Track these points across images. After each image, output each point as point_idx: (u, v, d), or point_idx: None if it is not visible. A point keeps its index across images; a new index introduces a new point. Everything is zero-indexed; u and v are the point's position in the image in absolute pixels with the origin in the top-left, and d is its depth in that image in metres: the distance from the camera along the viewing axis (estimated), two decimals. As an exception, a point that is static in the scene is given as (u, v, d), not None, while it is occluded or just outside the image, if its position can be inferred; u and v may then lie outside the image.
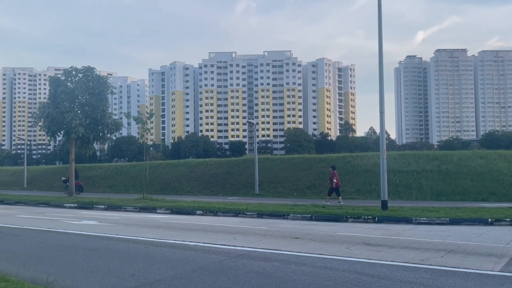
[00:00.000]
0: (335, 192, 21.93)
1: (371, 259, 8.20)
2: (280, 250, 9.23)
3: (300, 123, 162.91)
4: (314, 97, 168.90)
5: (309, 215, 15.76)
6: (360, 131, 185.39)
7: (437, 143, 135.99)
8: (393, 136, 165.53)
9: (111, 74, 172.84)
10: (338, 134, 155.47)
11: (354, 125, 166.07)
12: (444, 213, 15.33)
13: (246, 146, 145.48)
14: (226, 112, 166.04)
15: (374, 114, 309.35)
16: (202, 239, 10.93)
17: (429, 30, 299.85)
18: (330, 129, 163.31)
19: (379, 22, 17.38)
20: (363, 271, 7.28)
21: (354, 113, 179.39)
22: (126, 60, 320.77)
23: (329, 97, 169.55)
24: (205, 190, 31.41)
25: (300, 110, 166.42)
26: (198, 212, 18.17)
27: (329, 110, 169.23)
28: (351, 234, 11.73)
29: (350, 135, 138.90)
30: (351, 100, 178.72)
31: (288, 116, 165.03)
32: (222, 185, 31.48)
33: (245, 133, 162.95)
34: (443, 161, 27.46)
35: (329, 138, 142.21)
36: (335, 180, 21.63)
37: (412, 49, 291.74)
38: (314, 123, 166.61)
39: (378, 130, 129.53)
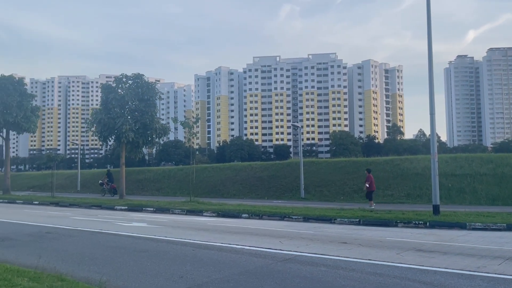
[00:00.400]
0: (367, 195, 21.83)
1: (423, 266, 7.92)
2: (327, 255, 9.09)
3: (346, 126, 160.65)
4: (360, 100, 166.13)
5: (357, 220, 15.44)
6: (409, 133, 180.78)
7: (491, 145, 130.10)
8: (443, 138, 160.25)
9: (158, 81, 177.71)
10: (385, 137, 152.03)
11: (402, 127, 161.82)
12: (501, 218, 14.59)
13: (291, 150, 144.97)
14: (270, 115, 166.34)
15: (423, 116, 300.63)
16: (248, 242, 10.95)
17: (480, 28, 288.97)
18: (377, 131, 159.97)
19: (428, 22, 16.85)
20: (415, 278, 7.03)
21: (402, 115, 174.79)
22: (173, 66, 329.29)
23: (376, 99, 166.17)
24: (250, 193, 31.54)
25: (345, 112, 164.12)
26: (243, 215, 18.24)
27: (376, 112, 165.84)
28: (402, 240, 11.38)
29: (398, 138, 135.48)
30: (399, 102, 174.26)
31: (334, 119, 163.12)
32: (267, 189, 31.49)
33: (290, 137, 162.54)
34: (499, 164, 26.18)
35: (376, 141, 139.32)
36: (367, 185, 21.61)
37: (463, 48, 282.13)
38: (361, 125, 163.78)
39: (428, 132, 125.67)
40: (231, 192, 32.43)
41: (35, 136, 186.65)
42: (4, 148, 48.55)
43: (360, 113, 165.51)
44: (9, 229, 14.58)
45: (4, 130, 38.01)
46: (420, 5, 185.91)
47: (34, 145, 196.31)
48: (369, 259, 8.56)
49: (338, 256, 8.93)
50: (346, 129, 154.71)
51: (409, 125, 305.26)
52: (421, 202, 23.68)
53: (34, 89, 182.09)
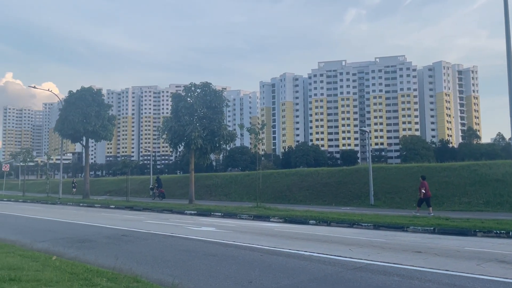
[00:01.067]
0: (426, 202, 21.15)
1: (507, 278, 7.35)
2: (400, 264, 8.71)
3: (416, 130, 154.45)
4: (431, 103, 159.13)
5: (431, 228, 14.71)
6: (486, 137, 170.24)
7: None
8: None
9: (225, 88, 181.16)
10: (460, 141, 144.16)
11: (478, 131, 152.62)
12: None
13: (358, 155, 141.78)
14: (336, 120, 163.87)
15: (501, 118, 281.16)
16: (317, 249, 10.78)
17: None
18: (451, 135, 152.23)
19: (505, 19, 15.78)
20: (499, 292, 6.54)
21: (478, 118, 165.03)
22: (238, 74, 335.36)
23: (449, 102, 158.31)
24: (317, 199, 31.17)
25: (416, 116, 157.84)
26: (311, 221, 18.03)
27: (449, 115, 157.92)
28: (482, 250, 10.67)
29: (475, 142, 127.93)
30: (474, 104, 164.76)
31: (403, 123, 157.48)
32: (334, 195, 30.97)
33: (357, 142, 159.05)
34: None
35: (450, 145, 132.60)
36: (423, 191, 20.95)
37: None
38: (433, 129, 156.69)
39: (507, 136, 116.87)
40: (297, 198, 32.25)
41: (111, 144, 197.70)
42: (84, 155, 51.68)
43: (432, 116, 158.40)
44: (89, 231, 15.47)
45: (84, 138, 40.55)
46: (497, 2, 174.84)
47: (110, 152, 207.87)
48: (446, 270, 8.09)
49: (412, 266, 8.53)
50: (417, 133, 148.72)
51: (486, 128, 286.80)
52: (502, 210, 22.12)
53: (110, 100, 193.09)
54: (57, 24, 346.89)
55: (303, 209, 23.56)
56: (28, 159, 54.44)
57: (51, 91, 44.11)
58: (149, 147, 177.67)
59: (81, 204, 32.18)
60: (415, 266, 8.48)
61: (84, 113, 38.39)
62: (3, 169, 60.54)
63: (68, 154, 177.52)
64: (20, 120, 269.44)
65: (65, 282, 6.98)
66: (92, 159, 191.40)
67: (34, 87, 44.65)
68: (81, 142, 41.18)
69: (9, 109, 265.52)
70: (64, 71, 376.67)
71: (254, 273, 8.24)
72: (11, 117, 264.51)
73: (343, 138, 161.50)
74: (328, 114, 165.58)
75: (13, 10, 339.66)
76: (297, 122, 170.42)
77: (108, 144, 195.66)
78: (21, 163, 58.59)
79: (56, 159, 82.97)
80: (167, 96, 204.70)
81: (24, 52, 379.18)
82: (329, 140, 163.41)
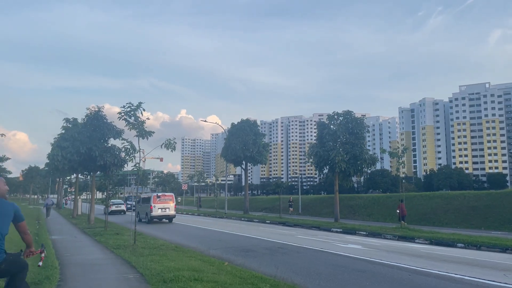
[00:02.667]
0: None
1: None
2: None
3: None
4: None
5: None
6: None
7: None
8: None
9: (364, 115, 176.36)
10: None
11: None
12: None
13: (507, 178, 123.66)
14: (481, 143, 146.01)
15: None
16: (468, 273, 9.70)
17: None
18: None
19: None
20: None
21: None
22: (377, 101, 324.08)
23: None
24: (464, 222, 27.99)
25: None
26: (459, 244, 16.27)
27: None
28: None
29: None
30: None
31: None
32: (483, 219, 27.46)
33: (505, 165, 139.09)
34: None
35: None
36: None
37: None
38: None
39: None
40: (442, 220, 29.41)
41: (265, 167, 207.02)
42: (243, 176, 54.94)
43: None
44: (251, 242, 16.36)
45: (244, 162, 43.31)
46: None
47: (264, 174, 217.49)
48: None
49: None
50: None
51: None
52: None
53: (263, 129, 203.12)
54: (220, 67, 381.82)
55: (449, 231, 21.39)
56: (200, 180, 60.16)
57: (217, 124, 48.59)
58: (296, 170, 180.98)
59: (242, 219, 34.17)
60: None
61: (244, 141, 41.11)
62: (182, 188, 67.89)
63: (230, 176, 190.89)
64: (194, 148, 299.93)
65: (237, 285, 7.51)
66: (249, 180, 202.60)
67: (205, 121, 49.68)
68: (241, 165, 44.03)
69: (185, 139, 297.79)
70: (225, 105, 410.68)
71: (404, 291, 7.78)
72: (186, 146, 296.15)
73: (490, 161, 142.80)
74: (472, 137, 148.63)
75: (185, 58, 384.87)
76: (439, 146, 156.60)
77: (262, 167, 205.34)
78: (195, 183, 64.90)
79: (222, 180, 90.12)
80: (311, 124, 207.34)
81: (194, 91, 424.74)
82: (474, 163, 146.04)
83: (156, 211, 27.89)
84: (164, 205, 28.25)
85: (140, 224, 25.51)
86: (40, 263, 5.16)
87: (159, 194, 29.44)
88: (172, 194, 30.91)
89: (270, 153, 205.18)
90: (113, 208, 40.67)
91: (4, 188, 4.73)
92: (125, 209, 44.09)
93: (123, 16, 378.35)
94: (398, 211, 25.74)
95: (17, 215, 4.70)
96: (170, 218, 28.78)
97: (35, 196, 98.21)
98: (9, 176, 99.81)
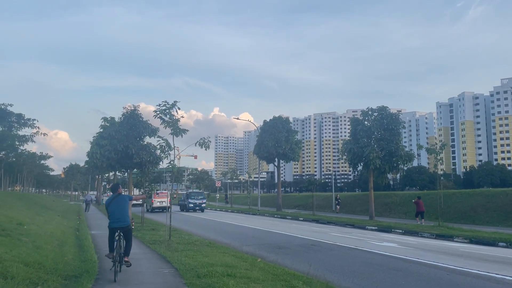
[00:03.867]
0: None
1: None
2: None
3: None
4: None
5: None
6: None
7: None
8: None
9: (400, 111, 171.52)
10: None
11: None
12: None
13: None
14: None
15: None
16: (510, 273, 9.29)
17: None
18: None
19: None
20: None
21: None
22: (414, 96, 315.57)
23: None
24: (506, 221, 26.75)
25: None
26: (500, 243, 15.59)
27: None
28: None
29: None
30: None
31: None
32: (527, 217, 26.16)
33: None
34: None
35: None
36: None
37: None
38: None
39: None
40: (483, 219, 28.25)
41: (297, 164, 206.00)
42: (276, 173, 54.99)
43: None
44: (284, 239, 16.34)
45: (276, 159, 43.25)
46: None
47: (297, 171, 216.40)
48: None
49: None
50: None
51: None
52: None
53: (296, 126, 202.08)
54: (253, 65, 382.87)
55: (490, 230, 20.54)
56: (234, 177, 60.59)
57: (250, 121, 48.64)
58: (329, 167, 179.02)
59: (275, 216, 34.18)
60: None
61: (276, 139, 41.04)
62: (216, 185, 68.60)
63: (263, 173, 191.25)
64: (227, 145, 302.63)
65: (269, 282, 7.53)
66: (282, 177, 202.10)
67: (237, 119, 49.93)
68: (274, 162, 43.98)
69: (219, 137, 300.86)
70: (257, 102, 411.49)
71: (441, 291, 7.55)
72: (220, 144, 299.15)
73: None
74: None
75: (218, 56, 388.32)
76: (479, 141, 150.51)
77: (295, 164, 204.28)
78: (229, 180, 65.44)
79: (254, 177, 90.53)
80: (344, 120, 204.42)
81: (227, 89, 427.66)
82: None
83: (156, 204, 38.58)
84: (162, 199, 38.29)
85: (175, 220, 26.05)
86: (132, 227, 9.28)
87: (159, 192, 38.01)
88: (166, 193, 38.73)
89: (303, 150, 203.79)
90: (156, 204, 38.26)
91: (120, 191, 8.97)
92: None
93: (157, 17, 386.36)
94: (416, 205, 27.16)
95: (129, 198, 9.05)
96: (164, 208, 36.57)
97: (76, 193, 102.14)
98: (52, 173, 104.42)
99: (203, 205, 40.97)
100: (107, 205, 8.38)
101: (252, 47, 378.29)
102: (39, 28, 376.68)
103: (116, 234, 8.16)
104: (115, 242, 8.08)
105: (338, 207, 39.84)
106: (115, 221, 8.19)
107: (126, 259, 8.18)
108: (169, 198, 30.37)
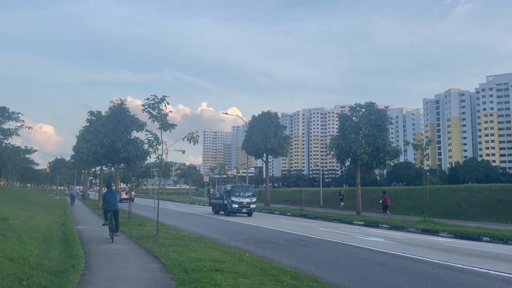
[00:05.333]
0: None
1: None
2: None
3: None
4: None
5: None
6: None
7: None
8: None
9: (387, 107, 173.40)
10: None
11: None
12: None
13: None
14: (509, 135, 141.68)
15: None
16: (494, 267, 9.49)
17: None
18: None
19: None
20: None
21: None
22: (401, 92, 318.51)
23: None
24: (490, 216, 27.29)
25: None
26: (484, 238, 15.91)
27: None
28: None
29: None
30: None
31: None
32: (510, 212, 26.70)
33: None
34: None
35: None
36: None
37: None
38: None
39: None
40: (467, 214, 28.76)
41: (285, 159, 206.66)
42: (264, 169, 55.16)
43: None
44: (271, 234, 16.40)
45: (265, 155, 43.30)
46: None
47: (285, 167, 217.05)
48: None
49: None
50: None
51: None
52: None
53: (284, 121, 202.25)
54: (242, 60, 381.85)
55: (474, 225, 20.92)
56: (222, 172, 60.58)
57: (238, 116, 48.57)
58: (317, 162, 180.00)
59: (263, 211, 34.26)
60: None
61: (265, 134, 41.05)
62: (204, 180, 68.48)
63: (251, 168, 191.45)
64: (215, 140, 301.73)
65: (257, 276, 7.55)
66: (270, 172, 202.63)
67: (226, 113, 49.86)
68: (262, 158, 44.02)
69: (207, 131, 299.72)
70: (246, 98, 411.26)
71: (427, 285, 7.68)
72: (208, 138, 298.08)
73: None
74: (500, 129, 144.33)
75: (207, 51, 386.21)
76: (464, 138, 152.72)
77: (283, 159, 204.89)
78: (217, 175, 65.43)
79: (243, 172, 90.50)
80: (333, 116, 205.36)
81: (215, 84, 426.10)
82: (501, 155, 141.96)
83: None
84: None
85: (162, 215, 25.93)
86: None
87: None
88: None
89: (291, 145, 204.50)
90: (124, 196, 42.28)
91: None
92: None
93: (147, 10, 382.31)
94: (381, 201, 28.84)
95: (117, 192, 14.23)
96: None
97: (62, 187, 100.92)
98: (37, 168, 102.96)
99: (253, 206, 27.84)
100: (104, 196, 13.62)
101: (241, 42, 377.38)
102: (25, 19, 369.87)
103: (109, 214, 13.05)
104: (108, 220, 13.02)
105: (342, 203, 38.10)
106: (109, 206, 13.27)
107: (117, 234, 13.14)
108: (132, 192, 30.42)
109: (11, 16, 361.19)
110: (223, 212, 28.75)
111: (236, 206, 27.16)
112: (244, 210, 27.40)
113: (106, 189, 14.14)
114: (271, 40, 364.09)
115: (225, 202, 28.02)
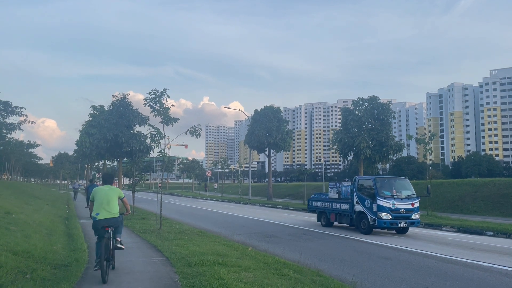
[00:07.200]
0: None
1: None
2: None
3: None
4: None
5: None
6: None
7: None
8: None
9: (390, 101, 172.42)
10: None
11: None
12: None
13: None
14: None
15: None
16: (497, 261, 9.47)
17: None
18: None
19: None
20: None
21: None
22: (404, 86, 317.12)
23: None
24: (493, 210, 27.26)
25: None
26: (487, 232, 15.89)
27: None
28: None
29: None
30: None
31: None
32: (514, 207, 26.66)
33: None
34: None
35: None
36: None
37: None
38: None
39: None
40: (471, 208, 28.74)
41: (288, 154, 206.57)
42: (267, 163, 55.15)
43: None
44: (275, 228, 16.42)
45: (267, 149, 43.30)
46: None
47: (287, 161, 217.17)
48: None
49: None
50: None
51: None
52: None
53: (286, 116, 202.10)
54: (245, 54, 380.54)
55: (478, 219, 20.89)
56: (224, 167, 60.62)
57: (241, 111, 48.51)
58: (320, 157, 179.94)
59: (266, 205, 34.29)
60: None
61: (267, 128, 41.03)
62: (206, 175, 68.60)
63: (254, 162, 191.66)
64: (217, 134, 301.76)
65: (260, 270, 7.55)
66: (272, 167, 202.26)
67: (228, 108, 49.74)
68: (265, 152, 44.03)
69: (209, 126, 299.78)
70: (248, 92, 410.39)
71: (430, 279, 7.66)
72: (210, 133, 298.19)
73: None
74: (503, 123, 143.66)
75: (209, 45, 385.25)
76: (468, 132, 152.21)
77: (285, 154, 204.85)
78: (219, 170, 65.51)
79: (245, 167, 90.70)
80: (335, 110, 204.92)
81: (217, 78, 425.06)
82: (505, 149, 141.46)
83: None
84: None
85: (165, 210, 26.01)
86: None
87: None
88: None
89: (294, 140, 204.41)
90: None
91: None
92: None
93: (149, 4, 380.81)
94: None
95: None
96: None
97: (65, 182, 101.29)
98: (40, 162, 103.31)
99: (417, 215, 15.22)
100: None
101: (244, 35, 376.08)
102: (27, 14, 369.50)
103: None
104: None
105: None
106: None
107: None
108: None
109: (13, 11, 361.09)
110: (347, 224, 16.58)
111: (388, 216, 14.46)
112: (403, 223, 14.65)
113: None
114: (273, 34, 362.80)
115: (361, 208, 15.37)
